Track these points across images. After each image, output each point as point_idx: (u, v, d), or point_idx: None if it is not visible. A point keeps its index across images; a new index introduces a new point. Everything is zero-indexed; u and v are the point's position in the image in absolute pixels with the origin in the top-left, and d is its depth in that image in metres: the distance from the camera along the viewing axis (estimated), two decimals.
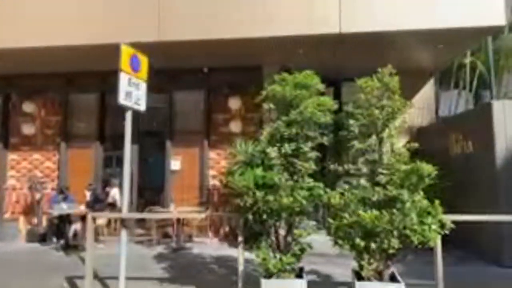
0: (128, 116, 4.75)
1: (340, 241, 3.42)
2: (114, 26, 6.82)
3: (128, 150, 4.70)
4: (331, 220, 3.46)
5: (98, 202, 7.52)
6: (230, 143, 8.12)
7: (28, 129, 8.69)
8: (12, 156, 8.83)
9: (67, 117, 8.76)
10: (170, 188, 8.30)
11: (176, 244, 7.04)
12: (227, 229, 8.11)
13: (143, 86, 4.89)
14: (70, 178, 8.58)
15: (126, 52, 4.57)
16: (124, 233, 4.58)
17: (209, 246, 7.38)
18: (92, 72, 8.51)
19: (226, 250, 6.89)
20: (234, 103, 8.20)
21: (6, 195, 8.72)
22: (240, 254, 4.08)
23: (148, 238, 7.83)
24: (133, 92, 4.66)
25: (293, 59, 7.46)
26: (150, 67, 5.19)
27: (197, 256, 6.52)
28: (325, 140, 3.78)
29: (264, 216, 3.62)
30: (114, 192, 8.41)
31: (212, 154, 8.36)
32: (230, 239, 7.91)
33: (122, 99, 4.51)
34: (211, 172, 8.30)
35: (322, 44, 6.80)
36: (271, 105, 3.81)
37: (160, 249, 7.08)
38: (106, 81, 8.69)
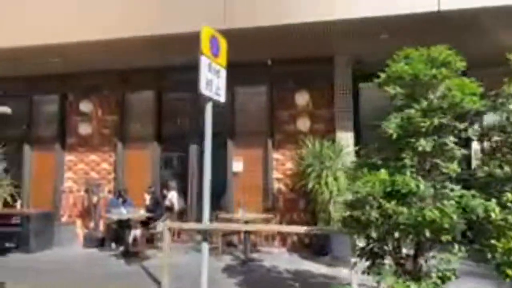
0: (209, 108, 4.08)
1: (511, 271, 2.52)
2: (174, 13, 6.26)
3: (209, 149, 4.05)
4: (493, 242, 2.57)
5: (159, 206, 7.00)
6: (297, 142, 7.41)
7: (84, 129, 8.39)
8: (69, 157, 8.57)
9: (124, 116, 8.37)
10: (232, 191, 7.64)
11: (244, 255, 6.33)
12: (295, 238, 7.32)
13: (223, 73, 4.22)
14: (126, 180, 8.17)
15: (206, 33, 3.92)
16: (205, 248, 3.90)
17: (279, 257, 6.61)
18: (148, 68, 8.08)
19: (302, 264, 6.10)
20: (301, 98, 7.40)
21: (63, 198, 8.48)
22: (353, 280, 3.28)
23: (212, 246, 7.19)
24: (213, 80, 3.99)
25: (371, 47, 6.57)
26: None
27: (271, 270, 5.76)
28: (471, 132, 2.89)
29: (396, 234, 2.78)
30: (171, 195, 7.90)
31: (277, 155, 7.60)
32: (298, 248, 7.14)
33: (203, 88, 3.85)
34: (276, 175, 7.55)
35: (415, 26, 5.81)
36: (398, 89, 2.96)
37: (227, 259, 6.40)
38: (163, 78, 8.25)
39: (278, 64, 7.55)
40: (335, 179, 6.20)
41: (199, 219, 7.78)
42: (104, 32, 6.57)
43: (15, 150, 8.57)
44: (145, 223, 6.90)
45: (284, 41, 6.61)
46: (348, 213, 3.16)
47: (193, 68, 8.03)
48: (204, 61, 3.91)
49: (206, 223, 3.91)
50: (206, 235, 3.95)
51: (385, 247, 3.16)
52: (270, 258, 6.50)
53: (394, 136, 2.86)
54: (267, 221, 6.64)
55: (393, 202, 2.79)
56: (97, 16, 6.57)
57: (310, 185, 6.30)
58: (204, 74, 3.91)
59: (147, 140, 8.17)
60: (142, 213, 6.87)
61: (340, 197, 5.49)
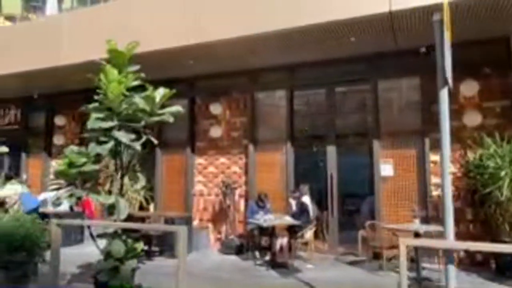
0: (444, 95, 3.29)
1: None
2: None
3: (447, 150, 3.23)
4: None
5: (305, 213, 6.44)
6: (464, 141, 6.31)
7: (214, 132, 8.24)
8: (199, 161, 8.50)
9: (254, 118, 8.03)
10: (380, 197, 6.78)
11: (417, 273, 5.42)
12: (461, 253, 6.20)
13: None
14: (258, 183, 7.79)
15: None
16: (451, 271, 3.11)
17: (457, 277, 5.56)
18: (278, 66, 7.64)
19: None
20: (468, 89, 6.27)
21: (194, 202, 8.41)
22: None
23: (358, 259, 6.44)
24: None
25: None
26: None
27: None
28: None
29: None
30: (304, 200, 7.32)
31: (434, 157, 6.55)
32: (467, 266, 6.02)
33: (449, 77, 3.08)
34: (434, 180, 6.50)
35: None
36: None
37: (390, 276, 5.55)
38: (294, 75, 7.74)
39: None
40: None
41: (341, 229, 7.13)
42: (245, 28, 6.26)
43: (146, 154, 8.78)
44: (291, 231, 6.37)
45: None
46: None
47: (324, 64, 7.52)
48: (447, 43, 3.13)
49: (450, 239, 3.11)
50: (452, 254, 3.16)
51: None
52: (444, 277, 5.49)
53: None
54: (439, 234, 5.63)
55: None
56: (239, 13, 6.29)
57: (504, 192, 5.17)
58: (448, 61, 3.14)
59: (279, 141, 7.71)
60: (288, 220, 6.35)
61: None
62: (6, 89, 9.73)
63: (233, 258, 6.98)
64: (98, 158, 4.02)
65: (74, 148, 4.01)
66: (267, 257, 6.45)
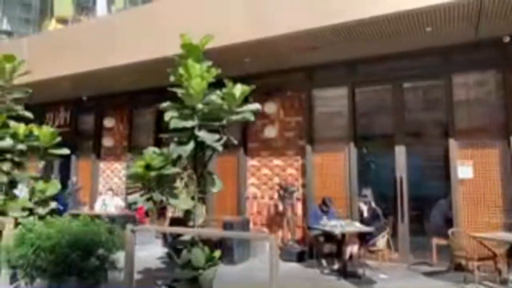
0: None
1: None
2: None
3: None
4: None
5: (378, 219, 5.97)
6: None
7: (268, 132, 7.90)
8: (251, 162, 8.18)
9: (311, 117, 7.61)
10: (458, 202, 6.20)
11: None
12: None
13: None
14: (317, 187, 7.37)
15: None
16: None
17: None
18: (338, 62, 7.21)
19: None
20: None
21: (247, 205, 8.09)
22: None
23: (435, 269, 5.90)
24: None
25: None
26: None
27: None
28: None
29: None
30: (364, 205, 6.83)
31: None
32: None
33: None
34: None
35: None
36: None
37: None
38: (355, 71, 7.28)
39: None
40: None
41: (412, 235, 6.59)
42: (310, 21, 5.87)
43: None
44: (362, 238, 5.91)
45: None
46: None
47: (390, 58, 7.01)
48: None
49: None
50: None
51: None
52: None
53: None
54: None
55: None
56: (304, 4, 5.91)
57: None
58: None
59: (340, 141, 7.26)
60: (358, 226, 5.89)
61: None
62: (58, 92, 9.81)
63: (295, 265, 6.57)
64: (177, 160, 3.74)
65: (154, 149, 3.74)
66: (335, 266, 6.01)
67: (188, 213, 3.96)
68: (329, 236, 6.12)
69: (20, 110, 5.74)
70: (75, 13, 8.83)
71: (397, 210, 6.60)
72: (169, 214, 8.36)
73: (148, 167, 3.77)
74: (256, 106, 3.94)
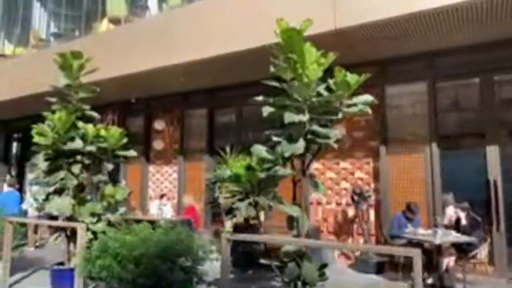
0: None
1: None
2: None
3: None
4: None
5: (478, 228, 5.30)
6: None
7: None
8: (314, 165, 7.63)
9: (384, 114, 6.99)
10: None
11: None
12: None
13: None
14: (392, 192, 6.76)
15: None
16: None
17: None
18: (414, 54, 6.60)
19: None
20: None
21: (311, 211, 7.54)
22: None
23: None
24: None
25: None
26: None
27: None
28: None
29: None
30: (449, 212, 6.17)
31: None
32: None
33: None
34: None
35: None
36: None
37: None
38: (435, 63, 6.65)
39: None
40: None
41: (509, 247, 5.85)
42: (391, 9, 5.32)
43: None
44: (460, 249, 5.26)
45: None
46: None
47: (477, 48, 6.34)
48: None
49: None
50: None
51: None
52: None
53: None
54: None
55: None
56: None
57: None
58: None
59: (419, 142, 6.63)
60: (456, 236, 5.24)
61: None
62: (107, 94, 9.60)
63: (376, 278, 5.98)
64: (287, 160, 3.27)
65: (262, 147, 3.27)
66: (429, 280, 5.36)
67: (291, 220, 3.46)
68: (415, 246, 5.48)
69: (88, 110, 5.46)
70: (129, 12, 8.60)
71: (490, 217, 5.89)
72: (226, 219, 7.97)
73: (249, 167, 3.31)
74: (368, 97, 3.41)
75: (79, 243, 4.53)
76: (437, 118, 6.52)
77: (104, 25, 8.94)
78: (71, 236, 5.13)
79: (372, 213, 6.88)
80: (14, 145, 13.80)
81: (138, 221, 5.44)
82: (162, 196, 8.72)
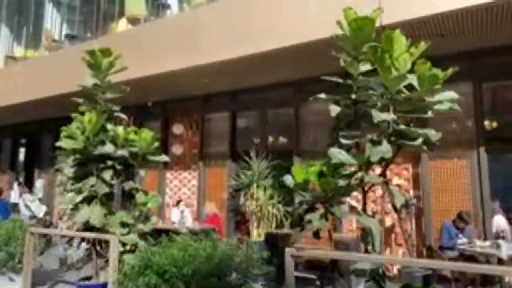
0: None
1: None
2: None
3: None
4: None
5: None
6: None
7: None
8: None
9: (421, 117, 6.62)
10: None
11: None
12: None
13: None
14: (435, 200, 6.35)
15: None
16: None
17: None
18: (455, 53, 6.22)
19: None
20: None
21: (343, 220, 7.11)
22: None
23: None
24: None
25: None
26: None
27: None
28: None
29: None
30: (496, 220, 5.80)
31: None
32: None
33: None
34: None
35: None
36: None
37: None
38: (477, 62, 6.28)
39: None
40: None
41: None
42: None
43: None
44: None
45: None
46: None
47: None
48: None
49: None
50: None
51: None
52: None
53: None
54: None
55: None
56: None
57: None
58: None
59: (463, 146, 6.24)
60: None
61: None
62: (123, 97, 9.21)
63: None
64: (370, 165, 2.88)
65: (338, 151, 2.87)
66: None
67: (365, 232, 3.06)
68: (468, 259, 5.08)
69: (117, 111, 5.06)
70: (149, 12, 8.24)
71: None
72: (252, 227, 7.56)
73: (322, 174, 2.91)
74: (453, 94, 3.01)
75: (112, 257, 4.11)
76: (483, 119, 6.14)
77: (122, 25, 8.56)
78: (98, 247, 4.71)
79: (413, 222, 6.46)
80: (22, 150, 13.37)
81: (165, 231, 5.06)
82: (178, 202, 8.32)
